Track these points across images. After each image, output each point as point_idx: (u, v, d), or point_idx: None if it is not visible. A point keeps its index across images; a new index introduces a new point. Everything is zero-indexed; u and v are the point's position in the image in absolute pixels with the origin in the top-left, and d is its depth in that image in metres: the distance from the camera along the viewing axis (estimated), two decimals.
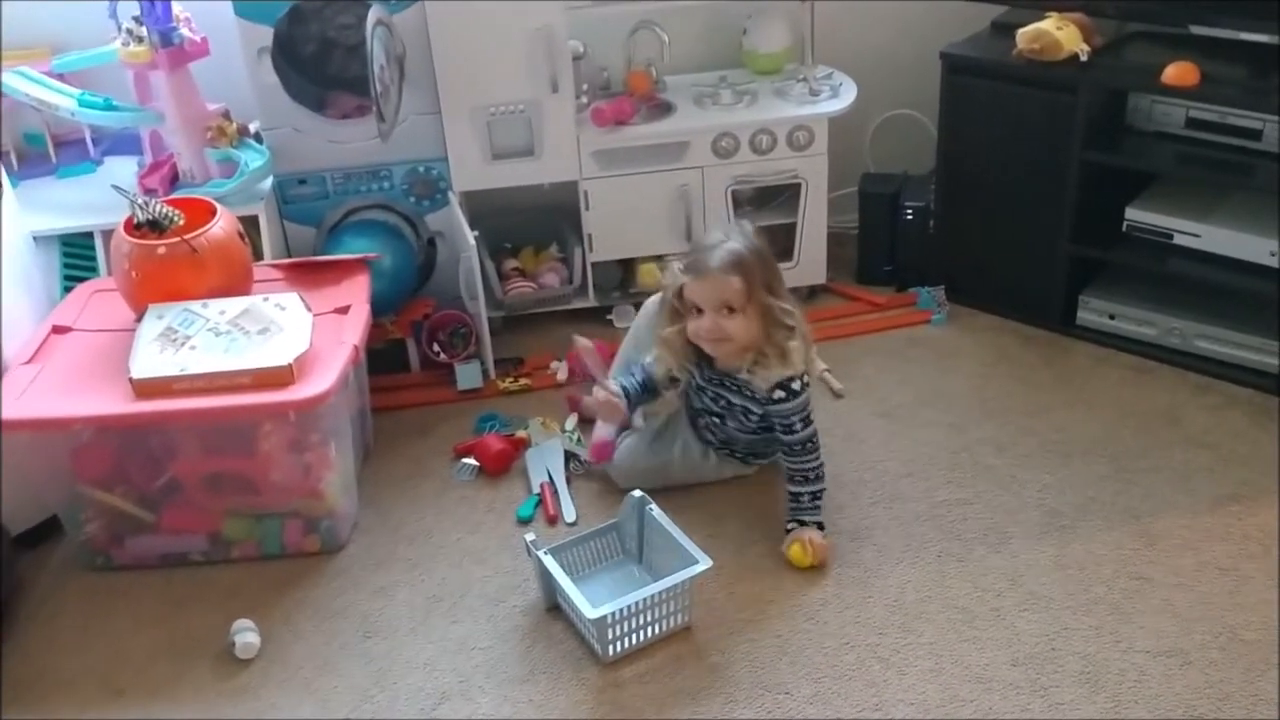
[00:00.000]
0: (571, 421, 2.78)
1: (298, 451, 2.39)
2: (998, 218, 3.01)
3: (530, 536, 2.28)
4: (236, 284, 2.46)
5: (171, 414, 2.25)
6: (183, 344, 2.28)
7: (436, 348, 2.96)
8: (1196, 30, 2.70)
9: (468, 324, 2.95)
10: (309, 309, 2.40)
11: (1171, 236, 2.81)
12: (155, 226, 2.40)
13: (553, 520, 2.50)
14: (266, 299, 2.38)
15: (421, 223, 3.03)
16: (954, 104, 2.97)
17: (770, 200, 3.15)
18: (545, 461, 2.64)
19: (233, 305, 2.36)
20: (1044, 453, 2.63)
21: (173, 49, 2.68)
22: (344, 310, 2.49)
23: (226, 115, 2.82)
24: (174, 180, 2.81)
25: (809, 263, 3.14)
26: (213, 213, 2.46)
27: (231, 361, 2.26)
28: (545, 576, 2.24)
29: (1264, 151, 2.66)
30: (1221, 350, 2.81)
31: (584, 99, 2.97)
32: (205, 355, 2.27)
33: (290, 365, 2.26)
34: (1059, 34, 2.72)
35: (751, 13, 3.15)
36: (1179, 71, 2.62)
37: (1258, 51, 2.64)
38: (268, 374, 2.26)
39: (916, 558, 2.37)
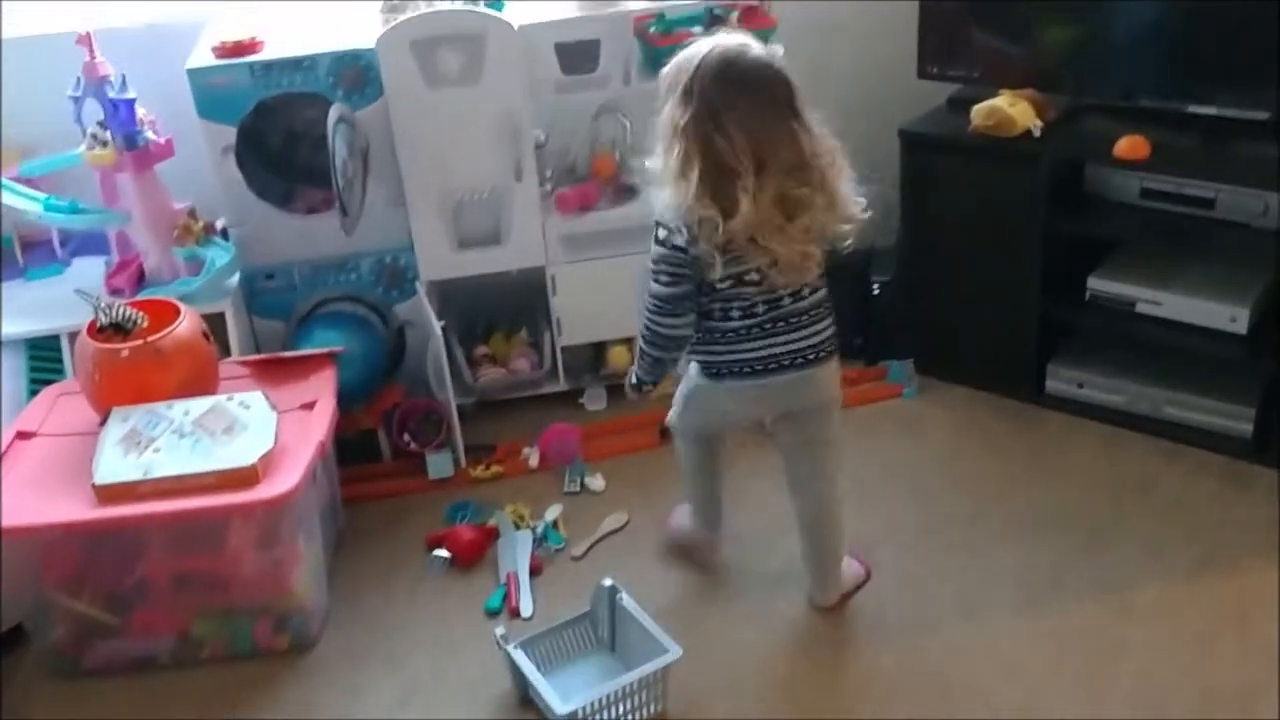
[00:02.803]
0: (553, 512, 2.76)
1: (266, 548, 2.37)
2: (964, 290, 3.04)
3: (500, 630, 2.26)
4: (202, 383, 2.46)
5: (136, 518, 2.24)
6: (147, 446, 2.28)
7: (407, 437, 2.96)
8: (1146, 103, 2.75)
9: (438, 412, 2.96)
10: (274, 407, 2.40)
11: (1134, 304, 2.83)
12: (119, 329, 2.41)
13: (514, 613, 2.49)
14: (231, 398, 2.39)
15: (390, 312, 3.04)
16: (915, 180, 3.00)
17: None
18: (512, 553, 2.63)
19: (197, 405, 2.36)
20: (1016, 523, 2.62)
21: (137, 151, 2.71)
22: (310, 406, 2.49)
23: (192, 213, 2.85)
24: (141, 279, 2.83)
25: None
26: (177, 313, 2.47)
27: (196, 463, 2.26)
28: (516, 670, 2.22)
29: (1219, 220, 2.69)
30: (1191, 416, 2.82)
31: (548, 185, 3.00)
32: (169, 457, 2.27)
33: (255, 465, 2.26)
34: (1012, 110, 2.77)
35: None
36: (1130, 145, 2.66)
37: (1206, 123, 2.69)
38: (233, 474, 2.25)
39: (890, 632, 2.36)
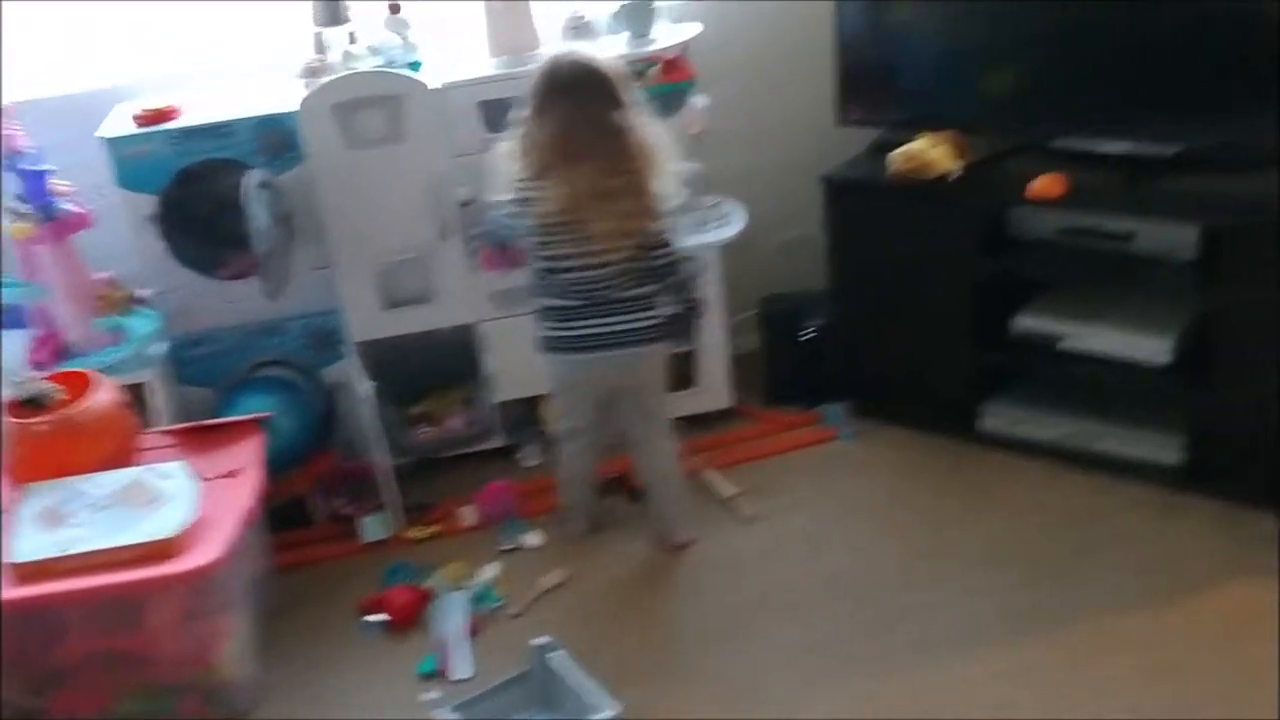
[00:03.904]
0: (490, 571, 2.73)
1: (191, 622, 2.33)
2: (895, 333, 3.05)
3: (431, 695, 2.23)
4: (122, 456, 2.43)
5: (55, 596, 2.20)
6: (64, 522, 2.24)
7: (341, 501, 2.92)
8: (1060, 144, 2.79)
9: (372, 475, 2.92)
10: (196, 476, 2.36)
11: (1061, 341, 2.85)
12: (35, 404, 2.37)
13: (449, 676, 2.44)
14: (151, 469, 2.35)
15: (321, 376, 3.01)
16: (841, 225, 3.02)
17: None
18: (447, 614, 2.59)
19: (116, 479, 2.32)
20: (958, 565, 2.62)
21: (55, 222, 2.68)
22: (235, 474, 2.46)
23: (114, 283, 2.82)
24: (62, 352, 2.78)
25: (712, 388, 3.15)
26: (95, 385, 2.44)
27: (115, 537, 2.22)
28: None
29: (1138, 254, 2.72)
30: (1124, 450, 2.84)
31: (475, 243, 2.99)
32: (88, 532, 2.23)
33: (176, 537, 2.22)
34: (930, 154, 2.80)
35: None
36: (1046, 183, 2.69)
37: (1118, 161, 2.73)
38: (153, 547, 2.21)
39: (837, 684, 2.35)
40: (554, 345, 2.60)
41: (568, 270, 2.49)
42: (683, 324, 2.64)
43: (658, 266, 2.52)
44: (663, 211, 2.48)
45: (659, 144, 2.45)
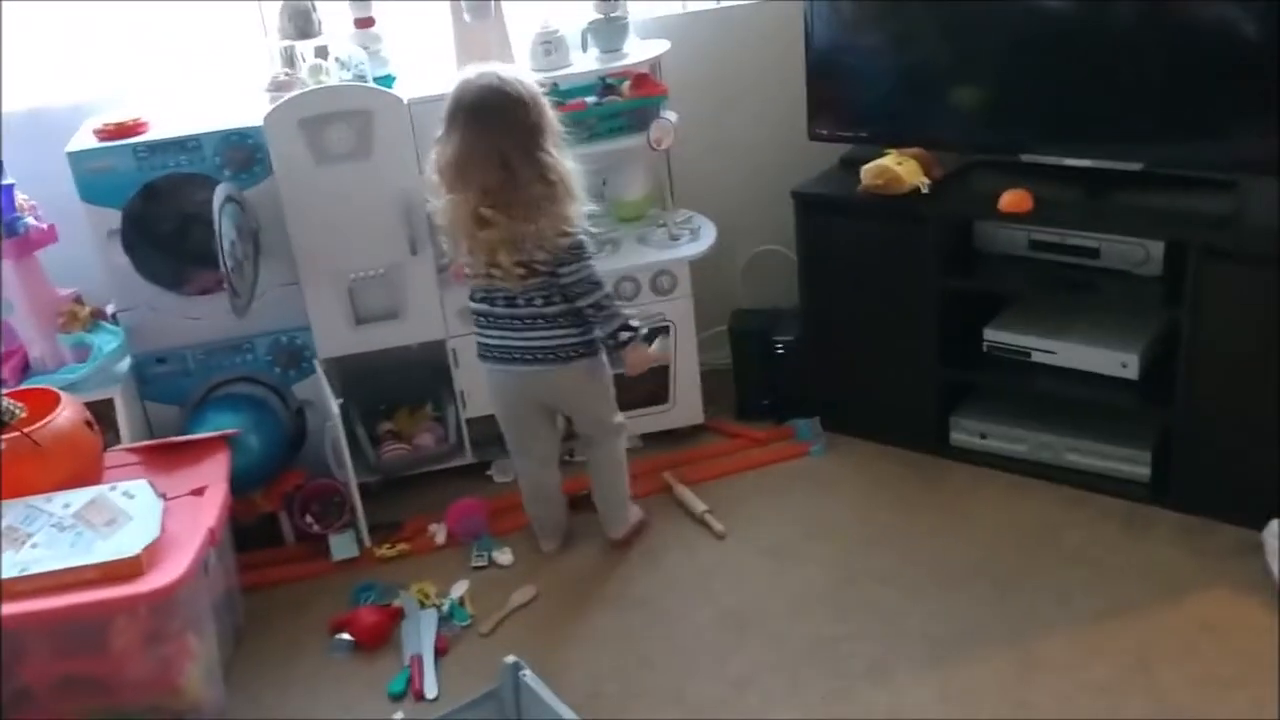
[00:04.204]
0: (459, 589, 2.71)
1: (154, 644, 2.29)
2: (865, 346, 3.06)
3: (399, 715, 2.20)
4: (85, 474, 2.39)
5: (13, 618, 2.15)
6: (24, 542, 2.20)
7: (309, 519, 2.89)
8: (1027, 158, 2.81)
9: (341, 493, 2.90)
10: (160, 495, 2.33)
11: (1029, 354, 2.87)
12: None
13: (419, 696, 2.42)
14: (114, 488, 2.32)
15: (289, 393, 2.99)
16: (810, 240, 3.03)
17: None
18: (417, 633, 2.57)
19: (78, 497, 2.29)
20: (926, 579, 2.62)
21: (17, 238, 2.65)
22: (200, 492, 2.43)
23: (78, 300, 2.79)
24: (25, 369, 2.75)
25: (685, 404, 3.15)
26: (57, 402, 2.40)
27: (76, 557, 2.18)
28: None
29: (1104, 268, 2.74)
30: (1091, 463, 2.85)
31: (445, 258, 2.97)
32: (48, 553, 2.19)
33: (139, 556, 2.18)
34: (899, 169, 2.81)
35: (611, 163, 3.20)
36: (1013, 199, 2.71)
37: (1085, 175, 2.75)
38: (115, 567, 2.18)
39: (802, 700, 2.33)
40: (481, 352, 2.65)
41: (483, 277, 2.53)
42: (611, 346, 2.60)
43: (564, 285, 2.51)
44: (558, 241, 2.45)
45: (560, 177, 2.44)
